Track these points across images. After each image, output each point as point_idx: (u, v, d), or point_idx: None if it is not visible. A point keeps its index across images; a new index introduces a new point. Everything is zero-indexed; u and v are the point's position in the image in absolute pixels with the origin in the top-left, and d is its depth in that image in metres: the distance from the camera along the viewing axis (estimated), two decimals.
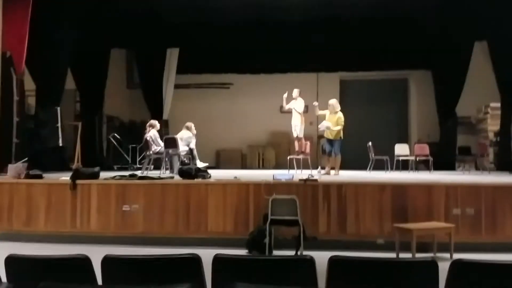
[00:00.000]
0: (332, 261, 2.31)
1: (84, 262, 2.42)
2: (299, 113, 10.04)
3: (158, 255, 2.55)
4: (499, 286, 1.88)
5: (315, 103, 9.81)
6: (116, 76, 13.78)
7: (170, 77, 13.07)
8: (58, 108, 10.14)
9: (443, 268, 2.28)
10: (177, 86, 13.52)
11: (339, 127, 9.13)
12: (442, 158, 11.93)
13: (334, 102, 9.48)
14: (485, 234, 6.44)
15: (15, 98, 8.86)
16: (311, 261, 2.32)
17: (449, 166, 11.80)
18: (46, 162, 9.17)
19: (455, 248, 5.75)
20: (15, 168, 7.43)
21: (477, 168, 11.35)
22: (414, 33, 11.76)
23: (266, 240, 5.93)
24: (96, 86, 12.36)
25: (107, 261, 2.46)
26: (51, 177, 7.69)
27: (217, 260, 2.44)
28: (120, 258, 2.51)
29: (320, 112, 9.72)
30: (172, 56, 12.99)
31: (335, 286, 2.03)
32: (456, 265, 2.16)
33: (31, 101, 10.61)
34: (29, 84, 9.87)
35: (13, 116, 8.80)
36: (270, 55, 12.79)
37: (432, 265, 2.22)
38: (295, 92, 10.06)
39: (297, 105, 10.07)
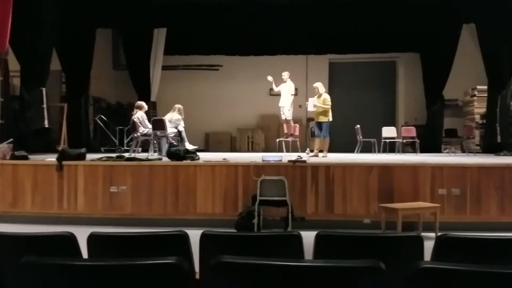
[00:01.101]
0: (319, 236, 2.33)
1: (69, 239, 2.40)
2: (289, 96, 10.02)
3: (145, 232, 2.55)
4: (484, 259, 1.92)
5: (307, 104, 9.61)
6: (102, 57, 13.57)
7: (157, 58, 12.87)
8: (44, 89, 9.97)
9: (428, 246, 2.31)
10: (165, 68, 13.35)
11: (326, 107, 9.10)
12: (429, 141, 12.07)
13: (318, 84, 9.40)
14: (470, 214, 6.56)
15: None
16: (298, 237, 2.33)
17: (435, 148, 11.94)
18: (31, 144, 9.05)
19: (440, 227, 5.83)
20: (0, 148, 7.32)
21: (463, 150, 11.49)
22: (403, 16, 11.72)
23: (255, 221, 5.96)
24: (81, 67, 12.14)
25: (93, 238, 2.45)
26: (36, 158, 7.60)
27: (205, 237, 2.44)
28: (106, 235, 2.49)
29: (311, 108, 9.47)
30: (160, 36, 12.77)
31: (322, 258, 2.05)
32: (442, 240, 2.19)
33: (16, 82, 10.41)
34: (14, 65, 9.67)
35: None
36: (260, 36, 12.67)
37: (417, 240, 2.25)
38: (285, 74, 10.02)
39: (287, 87, 10.04)
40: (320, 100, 9.18)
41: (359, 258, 1.63)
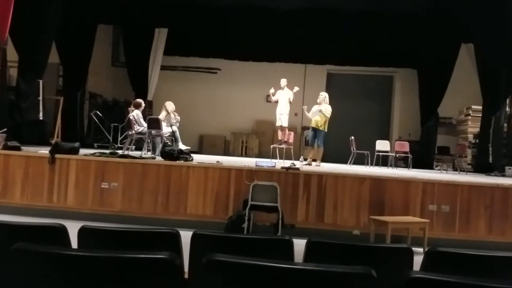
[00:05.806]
0: (310, 243, 2.34)
1: (60, 231, 2.39)
2: (288, 103, 10.05)
3: (137, 228, 2.54)
4: (472, 273, 1.94)
5: (305, 107, 9.78)
6: (101, 53, 13.53)
7: (156, 58, 12.90)
8: (41, 81, 9.93)
9: (416, 261, 2.32)
10: (163, 68, 13.36)
11: (326, 116, 9.22)
12: (422, 157, 12.13)
13: (325, 94, 9.61)
14: (458, 231, 6.60)
15: None
16: (289, 242, 2.34)
17: (427, 165, 12.00)
18: (25, 135, 9.00)
19: (428, 243, 5.86)
20: None
21: (454, 168, 11.56)
22: (402, 32, 11.85)
23: (245, 225, 5.96)
24: (80, 62, 12.11)
25: (84, 231, 2.44)
26: (29, 150, 7.54)
27: (196, 237, 2.44)
28: (97, 229, 2.49)
29: (309, 115, 9.62)
30: (161, 36, 12.81)
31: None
32: (432, 253, 2.21)
33: (13, 72, 10.36)
34: (12, 55, 9.62)
35: None
36: (260, 43, 12.73)
37: (407, 252, 2.27)
38: (283, 82, 10.05)
39: (286, 95, 10.07)
40: (321, 108, 9.29)
41: (349, 265, 1.64)
